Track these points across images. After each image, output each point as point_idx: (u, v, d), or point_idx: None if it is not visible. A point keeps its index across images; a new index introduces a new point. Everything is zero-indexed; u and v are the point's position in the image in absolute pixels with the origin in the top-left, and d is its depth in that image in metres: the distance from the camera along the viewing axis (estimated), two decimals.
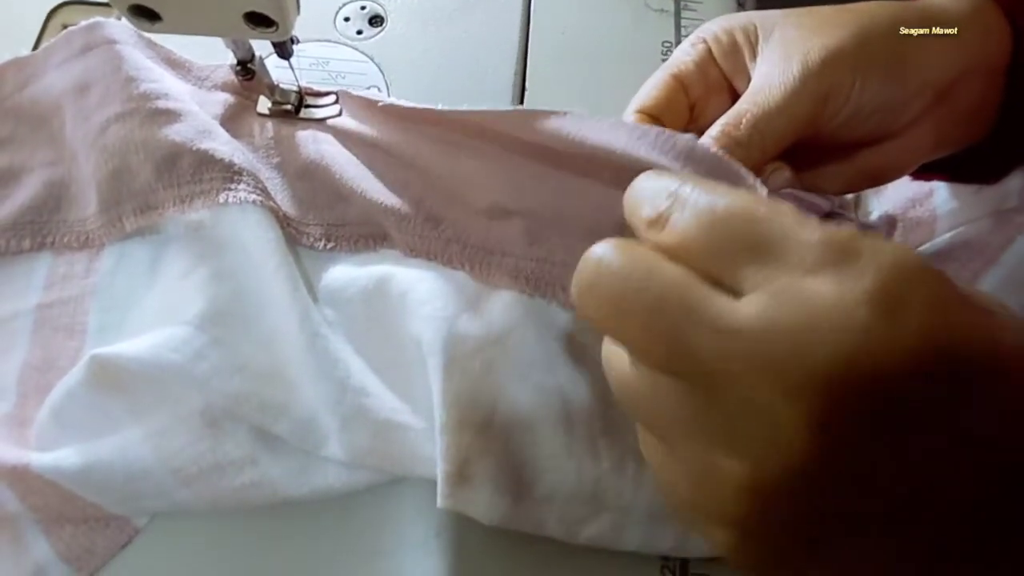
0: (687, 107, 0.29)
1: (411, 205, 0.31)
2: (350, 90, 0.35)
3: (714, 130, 0.25)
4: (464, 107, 0.30)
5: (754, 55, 0.27)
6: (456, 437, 0.27)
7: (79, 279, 0.33)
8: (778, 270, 0.16)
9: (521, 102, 0.37)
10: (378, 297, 0.30)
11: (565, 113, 0.27)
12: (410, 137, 0.32)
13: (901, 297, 0.15)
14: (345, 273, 0.31)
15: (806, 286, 0.15)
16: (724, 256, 0.17)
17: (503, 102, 0.37)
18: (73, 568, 0.28)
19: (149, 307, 0.32)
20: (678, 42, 0.39)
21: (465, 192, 0.31)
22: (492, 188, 0.31)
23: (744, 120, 0.25)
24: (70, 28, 0.34)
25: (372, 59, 0.38)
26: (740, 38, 0.28)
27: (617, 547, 0.28)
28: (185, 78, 0.35)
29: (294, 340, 0.30)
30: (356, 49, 0.38)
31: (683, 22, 0.40)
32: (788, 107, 0.25)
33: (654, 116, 0.28)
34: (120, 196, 0.32)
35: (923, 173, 0.31)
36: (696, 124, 0.29)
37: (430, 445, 0.29)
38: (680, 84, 0.28)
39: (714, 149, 0.25)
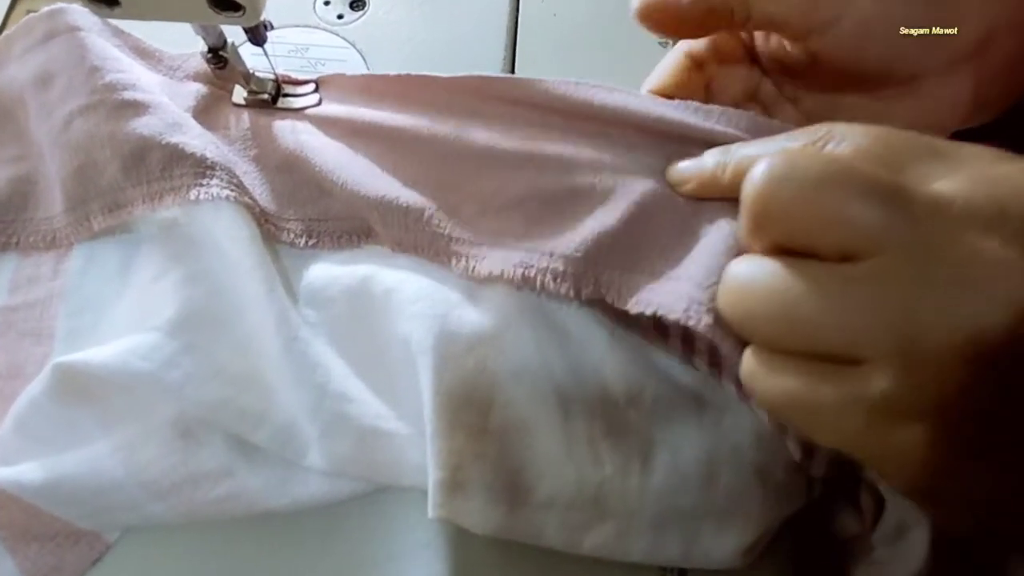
0: (702, 86, 0.28)
1: (396, 196, 0.29)
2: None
3: None
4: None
5: None
6: (448, 441, 0.26)
7: (46, 281, 0.31)
8: (960, 163, 0.19)
9: None
10: (362, 296, 0.29)
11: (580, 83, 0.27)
12: (396, 118, 0.31)
13: None
14: (327, 271, 0.30)
15: (994, 169, 0.18)
16: (908, 159, 0.19)
17: None
18: None
19: (121, 311, 0.30)
20: None
21: (455, 178, 0.29)
22: (483, 175, 0.29)
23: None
24: (31, 15, 0.32)
25: (354, 45, 0.36)
26: None
27: (621, 557, 0.26)
28: (155, 68, 0.33)
29: (271, 344, 0.28)
30: (337, 35, 0.36)
31: None
32: None
33: (668, 96, 0.27)
34: (87, 194, 0.30)
35: None
36: (715, 101, 0.28)
37: (416, 452, 0.28)
38: (694, 63, 0.27)
39: None
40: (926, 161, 0.19)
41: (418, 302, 0.27)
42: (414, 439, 0.28)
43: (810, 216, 0.18)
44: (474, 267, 0.28)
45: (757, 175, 0.19)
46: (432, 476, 0.26)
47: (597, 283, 0.26)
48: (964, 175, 0.18)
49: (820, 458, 0.27)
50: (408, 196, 0.29)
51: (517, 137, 0.29)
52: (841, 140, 0.20)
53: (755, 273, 0.19)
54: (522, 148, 0.29)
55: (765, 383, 0.20)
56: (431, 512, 0.26)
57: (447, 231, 0.29)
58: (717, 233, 0.25)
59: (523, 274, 0.27)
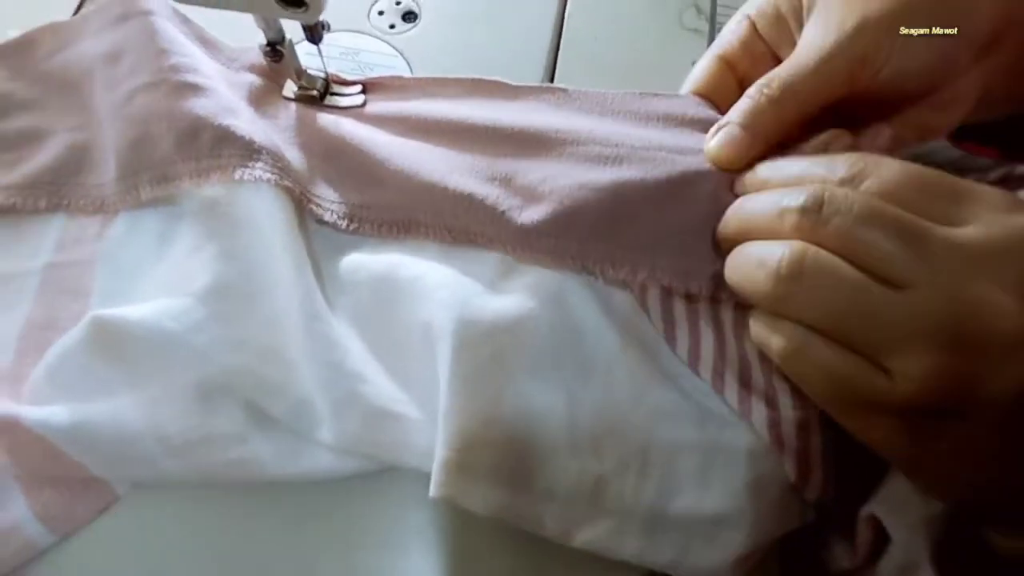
0: (736, 86, 0.30)
1: (452, 182, 0.30)
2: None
3: (752, 89, 0.28)
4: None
5: (800, 25, 0.28)
6: (459, 423, 0.27)
7: (90, 243, 0.33)
8: (980, 208, 0.22)
9: None
10: (388, 282, 0.30)
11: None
12: (440, 120, 0.32)
13: None
14: (357, 258, 0.31)
15: (1009, 219, 0.22)
16: (931, 199, 0.22)
17: None
18: (48, 529, 0.28)
19: (156, 278, 0.32)
20: None
21: (502, 169, 0.31)
22: (532, 168, 0.30)
23: (777, 79, 0.27)
24: None
25: (402, 54, 0.38)
26: (785, 9, 0.29)
27: (613, 555, 0.27)
28: (215, 57, 0.35)
29: (294, 321, 0.30)
30: (387, 43, 0.39)
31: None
32: (821, 68, 0.27)
33: (704, 97, 0.30)
34: (139, 165, 0.32)
35: (975, 144, 0.32)
36: None
37: (422, 436, 0.29)
38: (727, 64, 0.30)
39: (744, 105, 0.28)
40: (948, 202, 0.22)
41: (441, 289, 0.29)
42: (421, 424, 0.29)
43: (857, 246, 0.22)
44: (524, 254, 0.29)
45: (806, 199, 0.23)
46: (439, 455, 0.27)
47: (652, 269, 0.28)
48: (981, 222, 0.22)
49: (815, 481, 0.28)
50: (464, 182, 0.30)
51: (571, 136, 0.31)
52: (874, 175, 0.23)
53: (828, 264, 0.22)
54: (574, 145, 0.31)
55: (810, 359, 0.23)
56: (433, 490, 0.26)
57: (499, 218, 0.30)
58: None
59: (582, 264, 0.29)
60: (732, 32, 0.30)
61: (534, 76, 0.38)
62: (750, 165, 0.28)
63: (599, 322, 0.29)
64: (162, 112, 0.31)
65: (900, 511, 0.26)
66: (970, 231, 0.22)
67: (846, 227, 0.22)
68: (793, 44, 0.28)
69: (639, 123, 0.32)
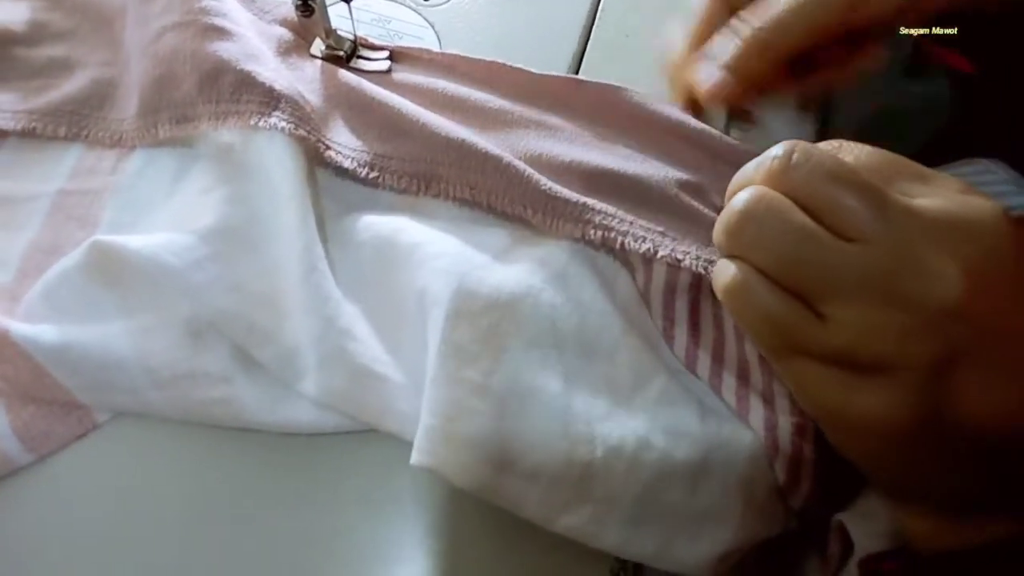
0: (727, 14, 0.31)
1: (477, 141, 0.31)
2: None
3: (743, 27, 0.29)
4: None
5: None
6: (447, 390, 0.26)
7: (104, 174, 0.33)
8: (938, 187, 0.24)
9: None
10: (389, 245, 0.30)
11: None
12: (464, 98, 0.33)
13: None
14: (367, 218, 0.31)
15: (965, 197, 0.24)
16: (896, 175, 0.24)
17: None
18: (26, 447, 0.28)
19: (163, 215, 0.32)
20: None
21: (530, 146, 0.31)
22: (557, 144, 0.31)
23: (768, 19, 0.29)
24: None
25: (432, 26, 0.38)
26: None
27: (594, 543, 0.26)
28: (248, 7, 0.36)
29: (292, 271, 0.30)
30: (419, 14, 0.39)
31: None
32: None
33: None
34: (160, 103, 0.33)
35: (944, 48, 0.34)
36: None
37: (404, 402, 0.28)
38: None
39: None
40: (911, 181, 0.24)
41: (442, 258, 0.28)
42: (405, 388, 0.29)
43: (820, 197, 0.23)
44: (547, 220, 0.30)
45: (783, 148, 0.24)
46: (423, 422, 0.26)
47: (673, 251, 0.29)
48: (939, 197, 0.23)
49: (803, 489, 0.27)
50: (488, 145, 0.31)
51: (592, 133, 0.32)
52: (849, 152, 0.25)
53: (781, 207, 0.23)
54: (594, 137, 0.31)
55: (749, 297, 0.24)
56: (414, 458, 0.26)
57: (526, 179, 0.30)
58: None
59: (602, 235, 0.29)
60: None
61: (560, 66, 0.38)
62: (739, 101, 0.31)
63: (604, 306, 0.29)
64: (187, 52, 0.32)
65: (866, 520, 0.25)
66: (926, 201, 0.23)
67: (813, 177, 0.23)
68: None
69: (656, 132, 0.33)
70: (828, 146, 0.25)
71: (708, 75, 0.31)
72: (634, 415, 0.27)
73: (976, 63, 0.37)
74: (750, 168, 0.25)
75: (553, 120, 0.33)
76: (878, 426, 0.23)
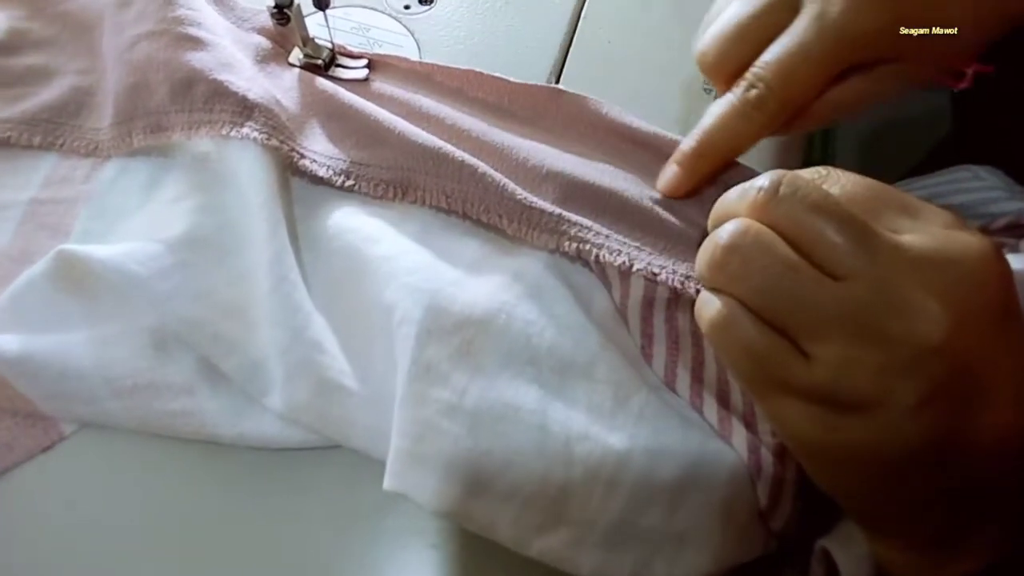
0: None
1: (453, 150, 0.30)
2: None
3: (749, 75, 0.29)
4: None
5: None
6: (415, 411, 0.26)
7: (78, 183, 0.33)
8: (926, 223, 0.23)
9: None
10: (360, 257, 0.30)
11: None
12: (441, 106, 0.33)
13: (1004, 259, 0.23)
14: (339, 227, 0.31)
15: (950, 233, 0.23)
16: (882, 208, 0.23)
17: None
18: None
19: (135, 224, 0.32)
20: None
21: (503, 155, 0.31)
22: (533, 156, 0.31)
23: (769, 66, 0.28)
24: None
25: (413, 35, 0.38)
26: None
27: (569, 568, 0.26)
28: (226, 15, 0.36)
29: (262, 281, 0.29)
30: (399, 22, 0.38)
31: None
32: (807, 54, 0.28)
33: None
34: (135, 112, 0.32)
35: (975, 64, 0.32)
36: None
37: (369, 417, 0.28)
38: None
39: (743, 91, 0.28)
40: (898, 213, 0.24)
41: (413, 274, 0.28)
42: (370, 403, 0.28)
43: (804, 231, 0.22)
44: (521, 229, 0.29)
45: (769, 180, 0.23)
46: (393, 443, 0.26)
47: (648, 265, 0.28)
48: (924, 233, 0.23)
49: (783, 511, 0.27)
50: (464, 155, 0.30)
51: (569, 144, 0.32)
52: (836, 183, 0.24)
53: (767, 240, 0.23)
54: (571, 150, 0.31)
55: (733, 331, 0.23)
56: (386, 482, 0.26)
57: (501, 189, 0.30)
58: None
59: (578, 248, 0.29)
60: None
61: (541, 74, 0.37)
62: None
63: (580, 320, 0.28)
64: (161, 61, 0.32)
65: (851, 544, 0.25)
66: (912, 238, 0.23)
67: (798, 210, 0.22)
68: None
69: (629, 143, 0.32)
70: (815, 174, 0.24)
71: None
72: (614, 432, 0.26)
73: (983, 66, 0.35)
74: (733, 197, 0.24)
75: (530, 131, 0.32)
76: (859, 464, 0.23)
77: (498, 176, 0.30)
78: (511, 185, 0.30)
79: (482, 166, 0.30)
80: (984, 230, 0.33)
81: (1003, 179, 0.37)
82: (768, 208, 0.23)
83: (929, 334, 0.21)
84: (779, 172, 0.23)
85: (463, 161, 0.30)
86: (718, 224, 0.24)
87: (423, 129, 0.32)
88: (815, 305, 0.22)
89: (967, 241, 0.23)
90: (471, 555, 0.28)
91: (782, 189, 0.23)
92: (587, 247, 0.29)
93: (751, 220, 0.23)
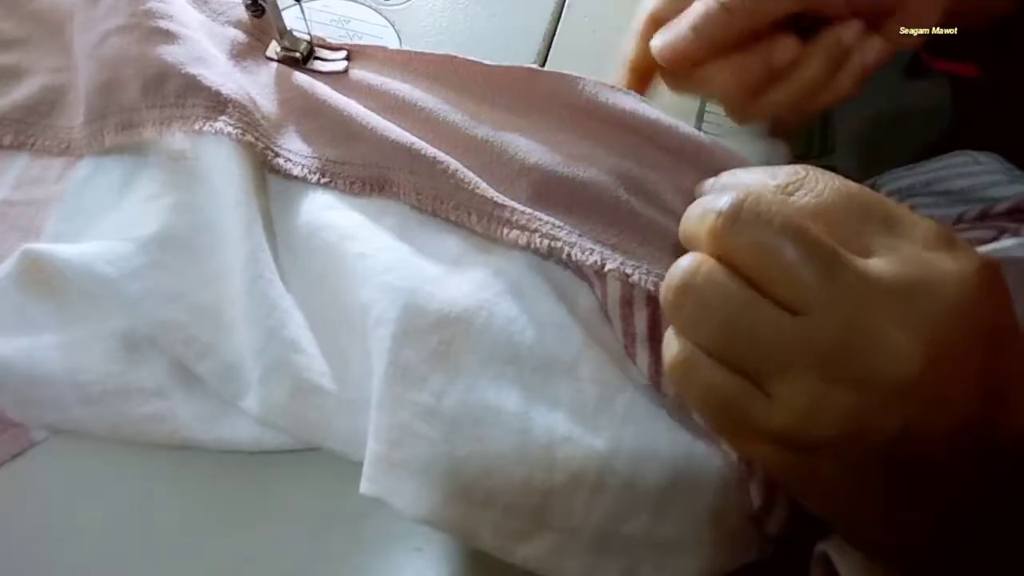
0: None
1: (425, 147, 0.30)
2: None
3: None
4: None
5: None
6: (392, 415, 0.25)
7: (50, 184, 0.32)
8: (906, 240, 0.21)
9: None
10: (336, 255, 0.29)
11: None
12: (425, 97, 0.32)
13: (994, 279, 0.21)
14: (316, 225, 0.30)
15: (929, 257, 0.21)
16: (858, 221, 0.21)
17: None
18: None
19: (108, 224, 0.31)
20: None
21: (479, 149, 0.30)
22: (509, 149, 0.30)
23: None
24: None
25: (393, 25, 0.37)
26: None
27: (554, 575, 0.25)
28: (200, 8, 0.35)
29: (236, 281, 0.28)
30: (380, 13, 0.38)
31: None
32: None
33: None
34: (106, 109, 0.32)
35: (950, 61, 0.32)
36: None
37: (346, 419, 0.27)
38: None
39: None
40: (877, 227, 0.21)
41: (390, 272, 0.27)
42: (348, 405, 0.27)
43: (764, 261, 0.20)
44: (492, 227, 0.28)
45: (729, 203, 0.21)
46: (369, 447, 0.25)
47: (622, 265, 0.27)
48: (899, 256, 0.21)
49: (778, 514, 0.26)
50: (436, 152, 0.29)
51: (545, 127, 0.30)
52: (810, 191, 0.22)
53: (719, 279, 0.21)
54: (548, 139, 0.30)
55: (692, 374, 0.22)
56: (363, 486, 0.25)
57: (472, 186, 0.29)
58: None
59: (549, 246, 0.28)
60: None
61: (526, 58, 0.37)
62: (696, 66, 0.30)
63: (562, 319, 0.27)
64: (132, 56, 0.31)
65: (849, 549, 0.24)
66: (883, 264, 0.20)
67: (759, 238, 0.20)
68: None
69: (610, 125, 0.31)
70: (791, 176, 0.22)
71: (670, 35, 0.30)
72: (598, 434, 0.25)
73: (978, 64, 0.35)
74: (694, 217, 0.22)
75: (508, 117, 0.31)
76: (836, 497, 0.22)
77: (470, 174, 0.29)
78: (481, 183, 0.29)
79: (454, 163, 0.29)
80: (985, 214, 0.31)
81: (1003, 163, 0.36)
82: (727, 237, 0.21)
83: (899, 372, 0.19)
84: (743, 191, 0.21)
85: (435, 158, 0.29)
86: (685, 242, 0.23)
87: (399, 124, 0.31)
88: (773, 344, 0.20)
89: (945, 267, 0.20)
90: (456, 559, 0.27)
91: (743, 214, 0.21)
92: (559, 244, 0.28)
93: (703, 257, 0.21)
